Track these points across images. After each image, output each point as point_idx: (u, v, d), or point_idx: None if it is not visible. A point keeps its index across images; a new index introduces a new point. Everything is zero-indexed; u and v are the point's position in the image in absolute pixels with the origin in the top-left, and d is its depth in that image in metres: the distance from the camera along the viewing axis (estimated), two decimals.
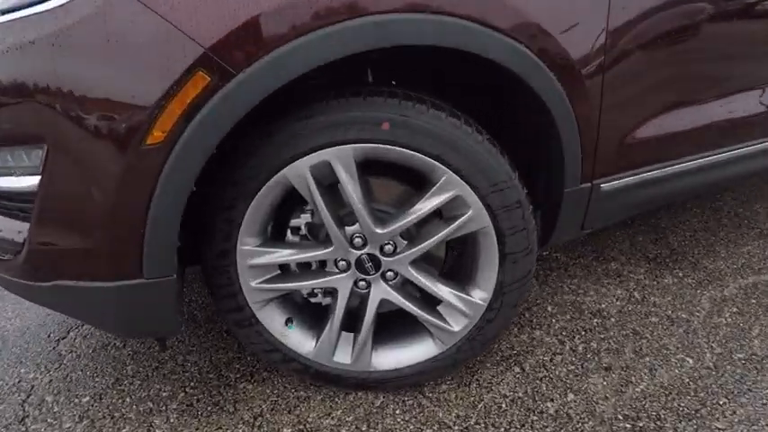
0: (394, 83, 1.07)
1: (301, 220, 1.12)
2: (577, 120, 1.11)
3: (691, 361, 1.33)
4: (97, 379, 1.36)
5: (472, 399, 1.23)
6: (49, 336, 1.57)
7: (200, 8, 0.72)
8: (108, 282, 0.88)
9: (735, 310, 1.52)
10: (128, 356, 1.44)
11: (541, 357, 1.36)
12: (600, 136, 1.18)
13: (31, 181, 0.80)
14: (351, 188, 0.98)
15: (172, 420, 1.20)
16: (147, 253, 0.86)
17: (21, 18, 0.71)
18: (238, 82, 0.76)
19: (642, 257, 1.84)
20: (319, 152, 0.95)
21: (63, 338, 1.55)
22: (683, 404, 1.19)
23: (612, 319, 1.51)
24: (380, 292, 1.13)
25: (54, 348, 1.51)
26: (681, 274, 1.72)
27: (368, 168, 1.08)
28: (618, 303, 1.58)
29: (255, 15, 0.74)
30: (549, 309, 1.57)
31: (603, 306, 1.57)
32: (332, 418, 1.19)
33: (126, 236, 0.84)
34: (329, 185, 1.08)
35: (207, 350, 1.44)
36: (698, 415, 1.16)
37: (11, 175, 0.85)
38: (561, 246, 1.98)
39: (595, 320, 1.51)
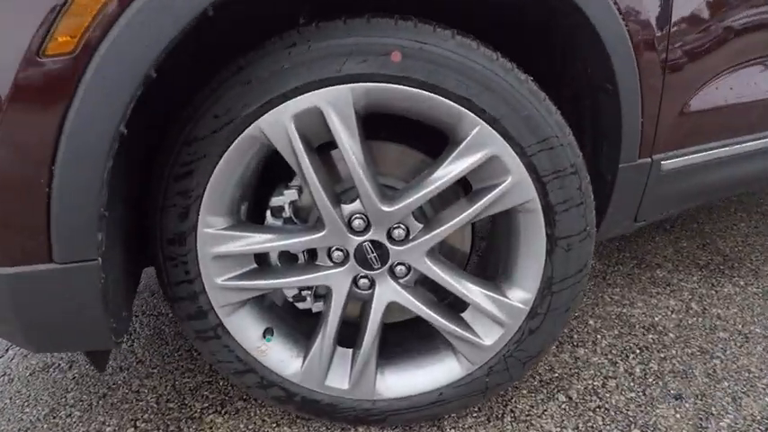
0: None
1: (285, 198, 0.86)
2: (640, 73, 0.87)
3: None
4: (27, 409, 1.07)
5: None
6: None
7: None
8: (8, 267, 0.62)
9: None
10: (71, 381, 1.16)
11: (591, 382, 1.07)
12: (664, 96, 0.93)
13: None
14: (349, 146, 0.73)
15: None
16: (56, 225, 0.60)
17: None
18: None
19: (692, 264, 1.57)
20: (306, 95, 0.70)
21: None
22: None
23: (671, 335, 1.23)
24: (388, 292, 0.86)
25: None
26: (742, 283, 1.45)
27: (370, 130, 0.83)
28: (674, 316, 1.30)
29: None
30: (591, 323, 1.29)
31: (657, 319, 1.29)
32: None
33: (25, 199, 0.58)
34: (320, 150, 0.83)
35: (170, 373, 1.16)
36: None
37: None
38: (594, 251, 1.71)
39: (650, 336, 1.23)
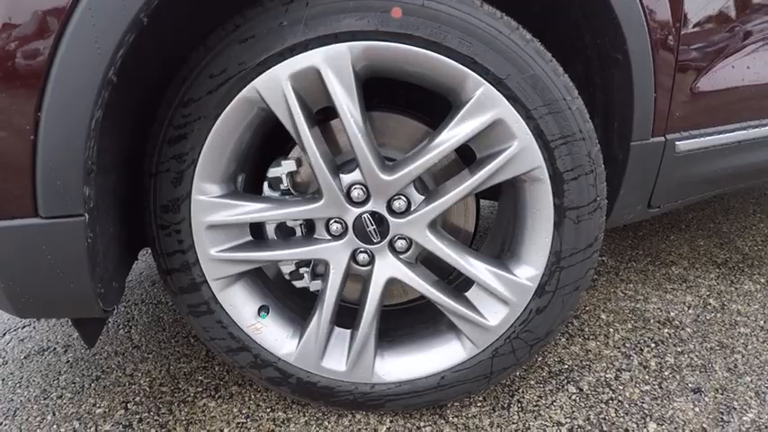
0: None
1: (283, 169, 0.83)
2: (652, 42, 0.83)
3: None
4: (19, 390, 1.05)
5: (514, 427, 0.88)
6: None
7: None
8: None
9: None
10: (65, 364, 1.13)
11: (603, 374, 1.02)
12: (678, 67, 0.90)
13: None
14: (347, 108, 0.70)
15: None
16: (41, 176, 0.58)
17: None
18: None
19: (709, 262, 1.51)
20: (304, 53, 0.68)
21: None
22: None
23: (688, 330, 1.17)
24: (388, 268, 0.82)
25: None
26: (763, 281, 1.39)
27: (370, 101, 0.80)
28: (691, 312, 1.24)
29: None
30: (603, 317, 1.23)
31: (673, 314, 1.23)
32: None
33: (7, 146, 0.56)
34: (320, 118, 0.80)
35: (166, 358, 1.13)
36: None
37: None
38: (606, 248, 1.66)
39: (666, 330, 1.17)
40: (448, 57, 0.68)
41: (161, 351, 1.16)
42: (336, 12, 0.67)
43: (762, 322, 1.19)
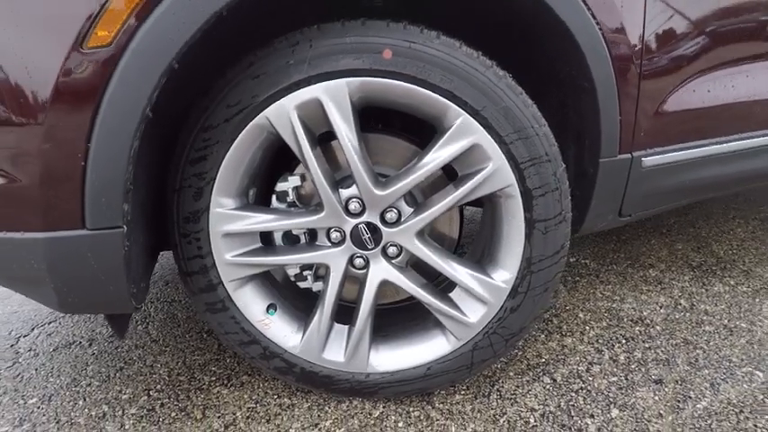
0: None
1: (289, 184, 0.95)
2: (615, 71, 0.94)
3: (761, 375, 1.08)
4: (51, 379, 1.17)
5: (492, 412, 1.00)
6: (9, 333, 1.39)
7: None
8: (41, 232, 0.71)
9: None
10: (91, 356, 1.25)
11: (575, 367, 1.13)
12: (641, 97, 1.01)
13: None
14: (346, 134, 0.82)
15: (126, 427, 1.00)
16: (89, 195, 0.70)
17: None
18: None
19: (684, 265, 1.62)
20: (308, 87, 0.79)
21: (25, 336, 1.37)
22: (760, 425, 0.95)
23: (658, 327, 1.28)
24: (381, 271, 0.94)
25: (12, 346, 1.32)
26: (733, 282, 1.49)
27: (366, 125, 0.91)
28: (662, 311, 1.35)
29: None
30: (581, 315, 1.34)
31: (646, 314, 1.34)
32: (319, 429, 0.97)
33: (63, 171, 0.68)
34: (321, 141, 0.92)
35: (182, 351, 1.25)
36: None
37: None
38: (590, 252, 1.77)
39: (637, 328, 1.28)
40: (432, 91, 0.79)
41: (177, 344, 1.28)
42: (336, 53, 0.78)
43: (726, 321, 1.30)
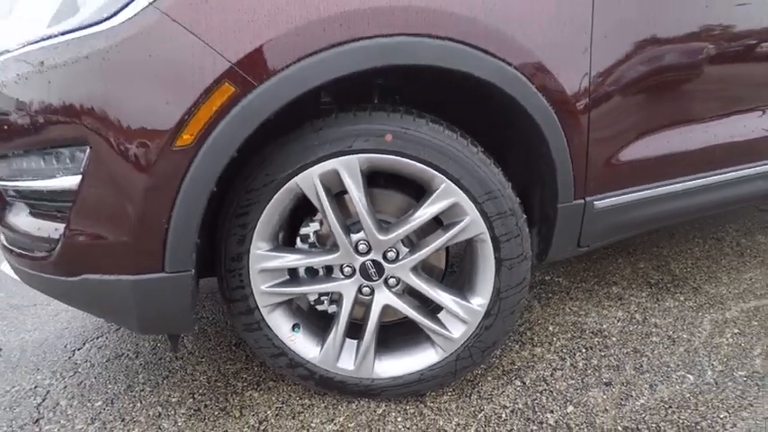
0: (397, 97, 1.18)
1: (310, 229, 1.20)
2: (567, 139, 1.20)
3: (692, 377, 1.34)
4: (110, 386, 1.41)
5: (473, 409, 1.25)
6: (65, 346, 1.63)
7: (228, 28, 0.84)
8: (132, 275, 0.96)
9: (736, 331, 1.54)
10: (140, 366, 1.49)
11: (542, 372, 1.38)
12: (589, 154, 1.26)
13: (72, 180, 0.90)
14: (356, 195, 1.07)
15: (180, 423, 1.24)
16: (169, 247, 0.94)
17: (77, 38, 0.83)
18: (259, 92, 0.87)
19: (644, 282, 1.87)
20: (328, 161, 1.04)
21: (79, 349, 1.61)
22: (683, 417, 1.20)
23: (614, 338, 1.53)
24: (383, 298, 1.19)
25: (70, 358, 1.56)
26: (682, 298, 1.75)
27: (373, 181, 1.17)
28: (619, 324, 1.61)
29: (275, 35, 0.86)
30: (551, 328, 1.60)
31: (605, 326, 1.60)
32: (334, 423, 1.21)
33: (152, 230, 0.92)
34: (337, 195, 1.17)
35: (215, 361, 1.49)
36: (698, 428, 1.16)
37: (53, 177, 0.95)
38: (563, 271, 2.02)
39: (596, 339, 1.53)
40: (422, 164, 1.05)
41: (210, 356, 1.52)
42: (349, 136, 1.03)
43: (671, 332, 1.55)
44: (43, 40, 0.86)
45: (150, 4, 0.82)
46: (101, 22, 0.83)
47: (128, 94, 0.84)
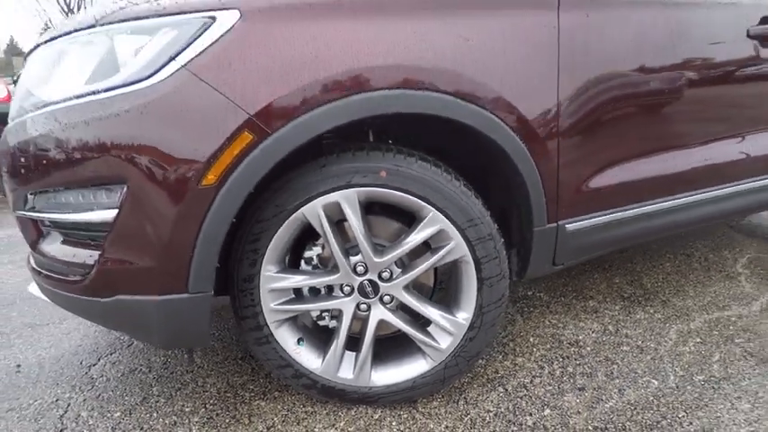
0: (390, 141, 1.34)
1: (313, 252, 1.34)
2: (539, 170, 1.36)
3: (656, 382, 1.49)
4: (126, 398, 1.52)
5: (460, 413, 1.38)
6: (81, 362, 1.74)
7: (247, 86, 1.00)
8: (159, 295, 1.09)
9: (698, 340, 1.70)
10: (153, 379, 1.61)
11: (523, 379, 1.52)
12: (560, 183, 1.43)
13: (109, 214, 1.04)
14: (355, 223, 1.22)
15: (194, 431, 1.36)
16: (194, 271, 1.08)
17: (120, 94, 0.98)
18: (273, 139, 1.03)
19: (618, 296, 2.03)
20: (331, 194, 1.20)
21: (94, 364, 1.72)
22: (646, 417, 1.34)
23: (588, 348, 1.68)
24: (379, 313, 1.33)
25: (86, 373, 1.67)
26: (652, 311, 1.91)
27: (369, 209, 1.32)
28: (593, 335, 1.76)
29: (287, 92, 1.02)
30: (531, 340, 1.74)
31: (581, 337, 1.75)
32: (336, 428, 1.34)
33: (179, 256, 1.06)
34: (337, 222, 1.32)
35: (224, 374, 1.61)
36: (659, 426, 1.31)
37: (91, 210, 1.09)
38: (545, 286, 2.18)
39: (572, 349, 1.68)
40: (412, 196, 1.20)
41: (219, 369, 1.64)
42: (349, 172, 1.19)
43: (640, 342, 1.71)
44: (89, 95, 1.01)
45: (183, 66, 0.98)
46: (140, 80, 0.99)
47: (162, 141, 0.99)
